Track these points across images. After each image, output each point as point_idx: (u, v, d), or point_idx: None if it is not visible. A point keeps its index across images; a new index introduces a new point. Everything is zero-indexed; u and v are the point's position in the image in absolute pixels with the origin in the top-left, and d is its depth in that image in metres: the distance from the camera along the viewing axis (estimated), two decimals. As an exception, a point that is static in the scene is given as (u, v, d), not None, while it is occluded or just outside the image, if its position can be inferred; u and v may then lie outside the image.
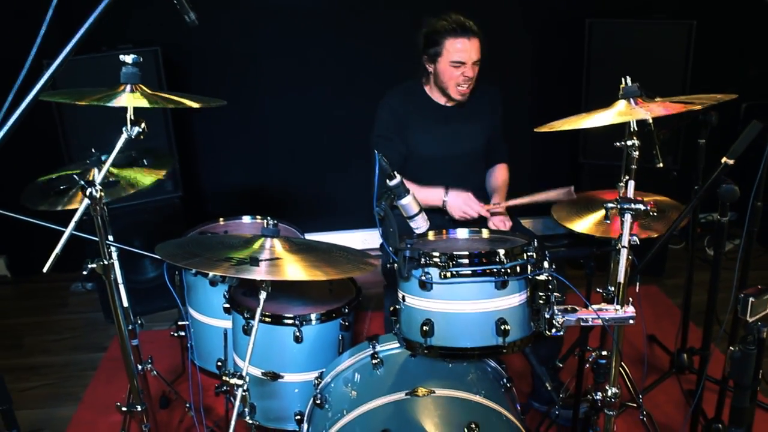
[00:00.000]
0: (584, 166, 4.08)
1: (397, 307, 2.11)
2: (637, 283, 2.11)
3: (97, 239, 2.00)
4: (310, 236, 3.17)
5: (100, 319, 3.96)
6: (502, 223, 2.90)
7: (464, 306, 1.96)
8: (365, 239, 4.40)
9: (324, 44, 4.20)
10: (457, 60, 2.84)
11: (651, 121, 2.10)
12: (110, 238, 2.43)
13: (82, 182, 1.86)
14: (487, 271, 1.94)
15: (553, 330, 1.94)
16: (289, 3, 4.09)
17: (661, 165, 2.20)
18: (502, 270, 1.94)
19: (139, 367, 2.59)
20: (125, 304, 2.52)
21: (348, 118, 4.18)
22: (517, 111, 4.24)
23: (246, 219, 3.09)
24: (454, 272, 1.93)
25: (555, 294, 1.94)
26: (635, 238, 1.90)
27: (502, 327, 1.94)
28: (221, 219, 3.08)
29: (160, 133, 3.77)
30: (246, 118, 4.24)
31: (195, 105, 2.04)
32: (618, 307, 1.89)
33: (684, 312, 3.06)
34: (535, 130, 2.10)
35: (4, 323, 3.98)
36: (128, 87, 1.95)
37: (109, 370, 3.45)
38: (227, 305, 2.55)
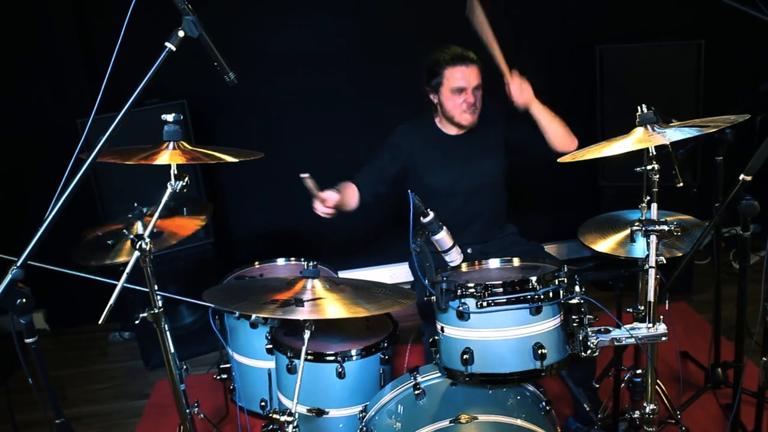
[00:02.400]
0: (604, 188, 4.15)
1: (436, 338, 2.18)
2: (667, 301, 2.17)
3: (145, 289, 2.11)
4: (341, 274, 3.25)
5: (140, 366, 4.05)
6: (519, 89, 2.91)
7: (501, 333, 2.04)
8: (393, 274, 4.48)
9: (343, 87, 4.33)
10: (457, 86, 2.93)
11: (669, 144, 2.19)
12: (155, 287, 2.55)
13: (132, 237, 1.97)
14: (522, 298, 2.02)
15: (588, 351, 2.01)
16: (308, 49, 4.23)
17: (681, 184, 2.29)
18: (536, 296, 2.02)
19: (187, 411, 2.68)
20: (172, 350, 2.62)
21: (369, 158, 4.29)
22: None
23: (281, 261, 3.18)
24: (490, 301, 2.01)
25: (588, 316, 2.02)
26: (662, 257, 1.97)
27: (539, 351, 2.01)
28: (256, 263, 3.17)
29: (190, 182, 3.88)
30: (271, 163, 4.33)
31: (233, 159, 2.14)
32: (650, 325, 1.96)
33: (715, 327, 3.09)
34: (558, 160, 2.18)
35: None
36: (171, 144, 2.07)
37: (153, 416, 3.53)
38: (269, 346, 2.64)
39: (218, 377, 3.02)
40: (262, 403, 2.86)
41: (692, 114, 3.82)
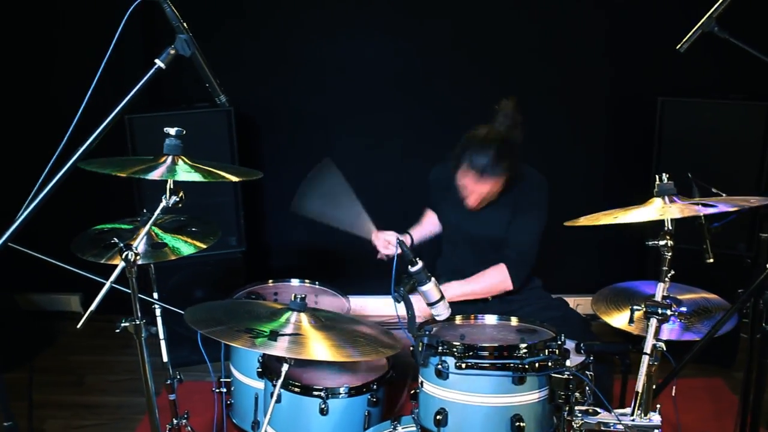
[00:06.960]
0: (652, 249, 3.92)
1: (417, 390, 2.09)
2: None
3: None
4: (357, 299, 3.18)
5: (160, 363, 4.06)
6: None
7: (479, 399, 1.92)
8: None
9: (393, 108, 4.27)
10: (461, 184, 2.81)
11: (702, 216, 2.05)
12: (155, 295, 2.54)
13: (121, 244, 1.95)
14: (505, 365, 1.90)
15: (571, 432, 1.88)
16: (362, 65, 4.20)
17: (711, 260, 2.13)
18: (520, 365, 1.89)
19: (174, 421, 2.66)
20: (165, 359, 2.62)
21: (412, 183, 4.20)
22: (589, 188, 4.18)
23: (295, 282, 3.17)
24: (471, 363, 1.90)
25: (576, 394, 1.88)
26: (661, 344, 1.82)
27: (517, 424, 1.88)
28: (270, 281, 3.16)
29: (227, 189, 3.89)
30: (313, 177, 4.33)
31: (234, 179, 2.08)
32: (639, 413, 1.81)
33: (743, 409, 2.83)
34: (565, 224, 2.05)
35: (71, 360, 4.13)
36: (170, 159, 2.02)
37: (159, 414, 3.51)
38: (260, 369, 2.59)
39: (216, 390, 2.98)
40: (253, 425, 2.81)
41: (752, 182, 3.60)
